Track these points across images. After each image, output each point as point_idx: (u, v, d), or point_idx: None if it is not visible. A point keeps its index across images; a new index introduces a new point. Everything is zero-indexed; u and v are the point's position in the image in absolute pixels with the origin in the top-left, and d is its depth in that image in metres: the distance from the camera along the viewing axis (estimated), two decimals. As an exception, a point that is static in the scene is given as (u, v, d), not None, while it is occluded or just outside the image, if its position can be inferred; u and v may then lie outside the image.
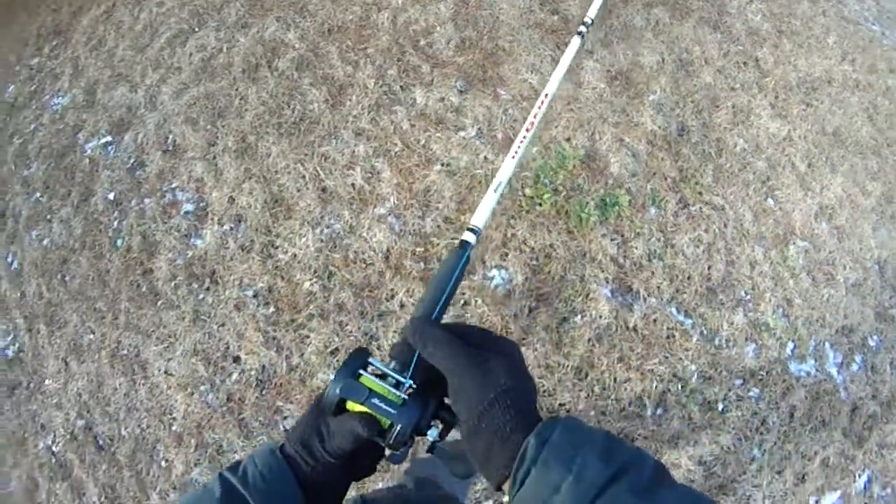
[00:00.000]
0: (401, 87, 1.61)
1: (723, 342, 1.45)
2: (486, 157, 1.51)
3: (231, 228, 1.64)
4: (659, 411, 1.42)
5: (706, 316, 1.46)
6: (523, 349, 1.43)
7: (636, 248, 1.46)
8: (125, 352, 1.73)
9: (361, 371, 0.41)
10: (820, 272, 1.52)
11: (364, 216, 1.50)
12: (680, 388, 1.42)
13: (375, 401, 0.39)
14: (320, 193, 1.56)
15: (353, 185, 1.55)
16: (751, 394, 1.47)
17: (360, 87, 1.65)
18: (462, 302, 1.41)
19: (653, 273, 1.45)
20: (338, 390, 0.40)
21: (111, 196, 1.94)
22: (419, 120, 1.59)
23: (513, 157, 0.55)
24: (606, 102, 1.55)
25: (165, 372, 1.64)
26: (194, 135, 1.83)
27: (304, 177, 1.59)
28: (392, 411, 0.39)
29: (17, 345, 2.05)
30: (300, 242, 1.53)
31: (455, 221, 1.46)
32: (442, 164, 1.51)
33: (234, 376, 1.53)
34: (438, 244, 1.45)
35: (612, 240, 1.45)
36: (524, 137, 0.57)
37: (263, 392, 1.51)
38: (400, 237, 1.46)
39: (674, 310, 1.45)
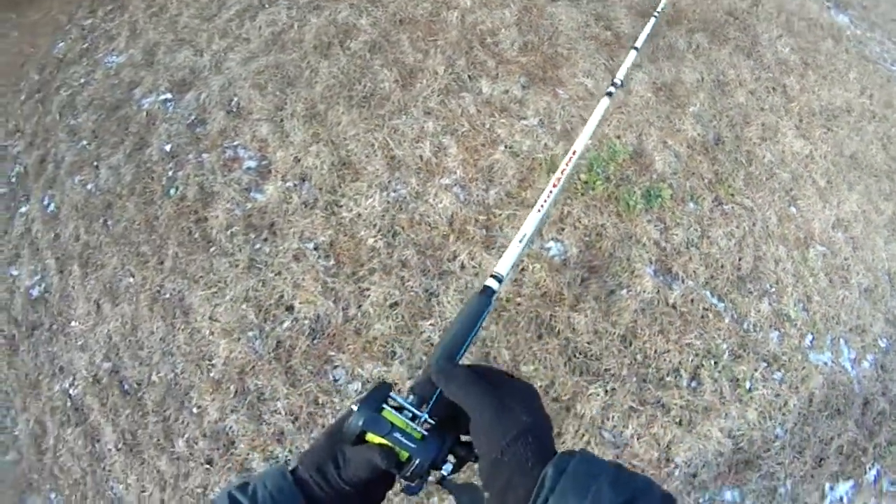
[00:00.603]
0: (468, 76, 1.87)
1: (750, 326, 1.67)
2: (546, 145, 1.75)
3: (295, 185, 1.80)
4: (693, 383, 1.60)
5: (736, 301, 1.68)
6: (573, 315, 1.60)
7: (676, 235, 1.70)
8: (167, 296, 1.82)
9: (384, 405, 0.45)
10: (836, 275, 1.79)
11: (430, 184, 1.70)
12: (713, 363, 1.61)
13: (397, 434, 0.43)
14: (389, 161, 1.76)
15: (420, 156, 1.76)
16: (774, 376, 1.68)
17: (430, 73, 1.90)
18: (521, 267, 1.60)
19: (690, 259, 1.69)
20: (361, 422, 0.43)
21: (167, 148, 2.09)
22: (485, 107, 1.83)
23: (539, 210, 0.59)
24: (652, 109, 1.84)
25: (210, 318, 1.73)
26: (261, 99, 2.02)
27: (373, 145, 1.79)
28: (412, 445, 0.43)
29: (43, 285, 2.10)
30: (366, 203, 1.70)
31: (516, 196, 1.68)
32: (505, 146, 1.74)
33: (286, 324, 1.64)
34: (501, 215, 1.65)
35: (655, 226, 1.69)
36: (550, 192, 0.59)
37: (315, 341, 1.62)
38: (464, 205, 1.65)
39: (708, 293, 1.67)
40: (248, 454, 1.62)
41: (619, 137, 1.76)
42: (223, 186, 1.86)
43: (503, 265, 0.54)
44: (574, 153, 0.64)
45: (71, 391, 1.95)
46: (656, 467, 1.56)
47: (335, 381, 1.59)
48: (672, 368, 1.59)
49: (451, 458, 0.45)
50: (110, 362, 1.89)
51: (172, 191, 1.96)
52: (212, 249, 1.78)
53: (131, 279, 1.91)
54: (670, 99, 1.83)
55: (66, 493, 1.87)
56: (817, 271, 1.74)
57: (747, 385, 1.63)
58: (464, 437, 0.46)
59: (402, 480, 0.45)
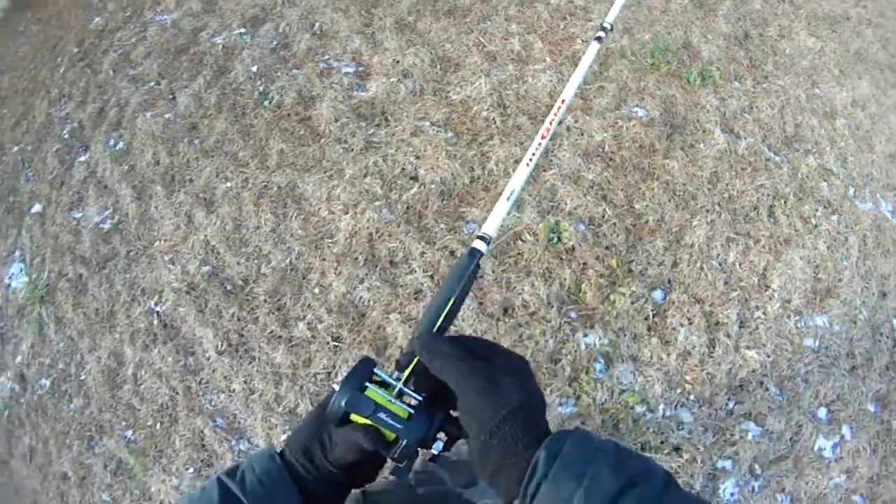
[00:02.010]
0: (537, -10, 2.48)
1: (804, 176, 2.23)
2: (613, 39, 2.36)
3: (399, 80, 2.22)
4: (771, 219, 2.11)
5: (788, 156, 2.25)
6: (667, 162, 2.09)
7: (731, 104, 2.27)
8: (274, 190, 2.12)
9: (367, 384, 0.47)
10: (862, 142, 2.41)
11: (526, 70, 2.19)
12: (783, 202, 2.13)
13: (381, 415, 0.45)
14: (485, 55, 2.24)
15: (511, 50, 2.27)
16: (832, 218, 2.22)
17: (503, -11, 2.49)
18: (616, 125, 2.10)
19: (746, 122, 2.25)
20: (343, 403, 0.45)
21: (254, 69, 2.45)
22: (555, 13, 2.40)
23: (527, 164, 0.60)
24: (690, 13, 2.48)
25: (327, 199, 2.04)
26: (346, 20, 2.47)
27: (467, 45, 2.28)
28: (398, 426, 0.45)
29: (116, 217, 2.32)
30: (472, 87, 2.16)
31: (600, 75, 2.22)
32: (582, 40, 2.31)
33: (413, 190, 1.99)
34: (591, 88, 2.17)
35: (714, 97, 2.27)
36: (539, 144, 0.61)
37: (444, 202, 1.99)
38: (560, 83, 2.15)
39: (766, 148, 2.23)
40: (382, 321, 1.90)
41: (669, 33, 2.39)
42: (323, 90, 2.25)
43: (491, 225, 0.56)
44: (563, 102, 0.65)
45: (158, 309, 2.14)
46: (758, 291, 2.02)
47: (471, 233, 1.94)
48: (752, 206, 2.10)
49: (441, 435, 0.48)
50: (209, 266, 2.12)
51: (266, 102, 2.32)
52: (322, 141, 2.13)
53: (228, 184, 2.20)
54: (702, 5, 2.51)
55: (149, 423, 2.01)
56: (847, 137, 2.36)
57: (813, 222, 2.17)
58: (453, 413, 0.48)
59: (390, 461, 0.48)
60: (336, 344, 1.90)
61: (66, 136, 2.70)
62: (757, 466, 1.90)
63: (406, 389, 0.49)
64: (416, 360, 0.49)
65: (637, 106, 2.12)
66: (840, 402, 2.01)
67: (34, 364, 2.31)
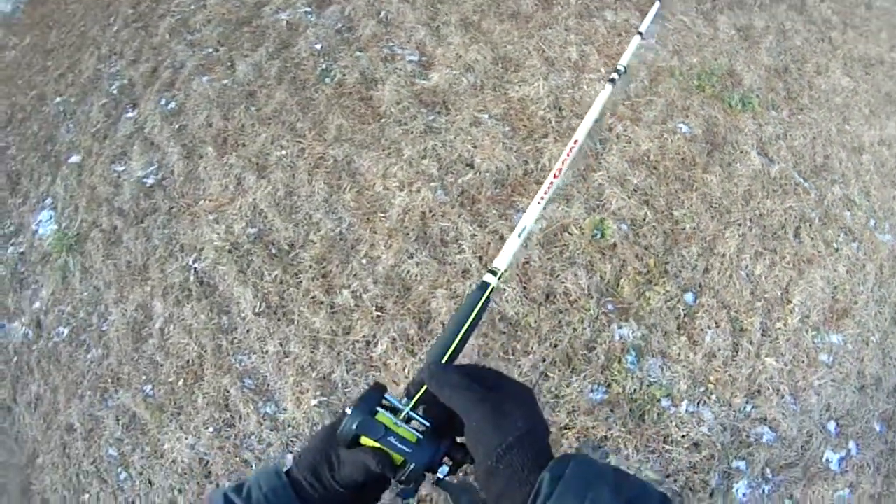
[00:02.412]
0: (595, 7, 2.72)
1: (829, 203, 2.47)
2: (664, 57, 2.55)
3: (461, 73, 2.44)
4: (796, 240, 2.34)
5: (816, 184, 2.48)
6: (706, 176, 2.31)
7: (767, 130, 2.51)
8: (330, 162, 2.30)
9: (378, 408, 0.51)
10: (886, 178, 2.64)
11: (582, 77, 2.41)
12: (808, 225, 2.36)
13: (391, 438, 0.50)
14: (544, 60, 2.47)
15: (569, 58, 2.49)
16: (852, 245, 2.46)
17: (563, 2, 2.73)
18: (661, 136, 2.33)
19: (780, 148, 2.49)
20: (355, 426, 0.50)
21: (318, 46, 2.66)
22: (611, 29, 2.65)
23: (539, 202, 0.64)
24: (736, 42, 2.73)
25: (383, 176, 2.23)
26: (412, 12, 2.69)
27: (527, 48, 2.50)
28: (407, 449, 0.50)
29: (160, 174, 2.49)
30: (531, 87, 2.37)
31: (650, 90, 2.46)
32: (636, 56, 2.56)
33: (469, 176, 2.18)
34: (640, 102, 2.41)
35: (752, 122, 2.51)
36: (551, 183, 0.64)
37: (498, 189, 2.19)
38: (613, 93, 2.39)
39: (796, 174, 2.47)
40: (427, 296, 2.09)
41: (715, 59, 2.64)
42: (386, 73, 2.46)
43: (502, 260, 0.59)
44: (576, 142, 0.66)
45: (196, 265, 2.29)
46: (781, 304, 2.23)
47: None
48: (780, 225, 2.32)
49: (447, 460, 0.51)
50: (255, 228, 2.28)
51: (328, 79, 2.52)
52: (382, 120, 2.33)
53: (283, 152, 2.38)
54: (747, 38, 2.76)
55: (171, 379, 2.13)
56: (872, 172, 2.61)
57: (835, 246, 2.40)
58: (459, 439, 0.51)
59: (396, 484, 0.51)
60: (379, 314, 2.07)
61: (115, 91, 2.87)
62: (769, 470, 2.09)
63: (414, 415, 0.53)
64: (424, 388, 0.53)
65: (682, 122, 2.35)
66: (848, 418, 2.21)
67: (53, 311, 2.37)
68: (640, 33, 1.01)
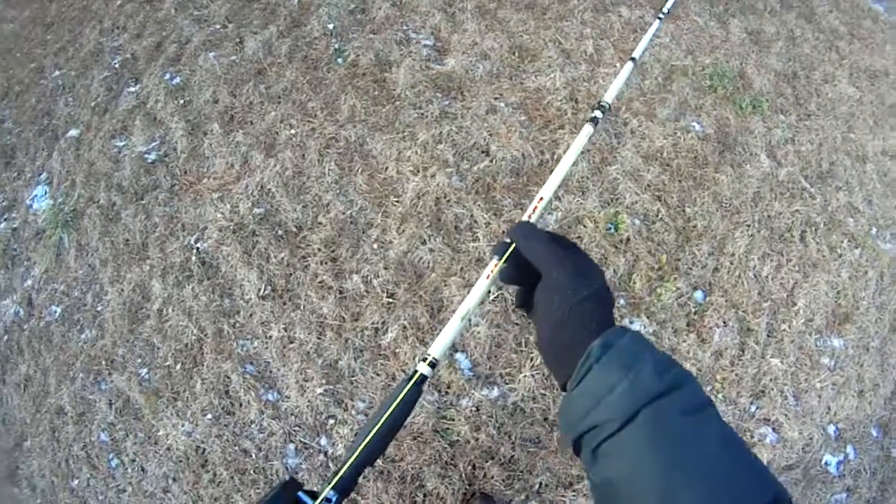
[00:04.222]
0: (611, 1, 2.79)
1: (834, 209, 2.58)
2: (678, 56, 2.66)
3: (477, 60, 2.48)
4: (802, 244, 2.43)
5: (822, 189, 2.60)
6: (717, 175, 2.38)
7: (776, 134, 2.62)
8: (342, 143, 2.31)
9: None
10: (888, 188, 2.78)
11: (598, 71, 2.48)
12: (814, 230, 2.47)
13: None
14: (560, 51, 2.53)
15: (585, 51, 2.56)
16: (855, 251, 2.57)
17: (579, -4, 2.80)
18: (675, 134, 2.39)
19: (787, 152, 2.60)
20: None
21: (330, 26, 2.66)
22: (626, 25, 2.73)
23: (487, 277, 0.57)
24: (747, 46, 2.85)
25: (397, 159, 2.25)
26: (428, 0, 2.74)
27: (544, 39, 2.56)
28: None
29: (163, 150, 2.46)
30: (547, 78, 2.43)
31: (663, 88, 2.53)
32: (650, 55, 2.63)
33: (484, 164, 2.22)
34: (654, 100, 2.48)
35: (762, 125, 2.61)
36: (497, 263, 0.57)
37: (514, 178, 2.22)
38: (627, 89, 2.45)
39: (803, 178, 2.58)
40: (440, 283, 2.11)
41: (727, 61, 2.74)
42: (401, 57, 2.48)
43: (438, 347, 0.55)
44: (541, 200, 0.63)
45: (198, 245, 2.27)
46: (786, 306, 2.32)
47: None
48: (787, 228, 2.42)
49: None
50: (261, 208, 2.28)
51: (341, 59, 2.53)
52: (396, 103, 2.35)
53: (293, 131, 2.38)
54: (758, 42, 2.88)
55: (168, 363, 2.12)
56: (875, 181, 2.74)
57: (839, 252, 2.51)
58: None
59: None
60: (390, 300, 2.08)
61: (117, 65, 2.83)
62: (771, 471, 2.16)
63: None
64: (512, 246, 0.56)
65: (695, 121, 2.44)
66: (847, 422, 2.31)
67: (45, 290, 2.37)
68: (633, 59, 0.95)
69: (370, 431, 0.53)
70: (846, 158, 2.72)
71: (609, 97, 0.77)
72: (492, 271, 0.58)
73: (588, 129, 0.72)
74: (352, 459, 0.54)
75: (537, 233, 0.54)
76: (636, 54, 0.99)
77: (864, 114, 2.90)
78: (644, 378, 0.42)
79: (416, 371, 0.55)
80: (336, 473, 0.53)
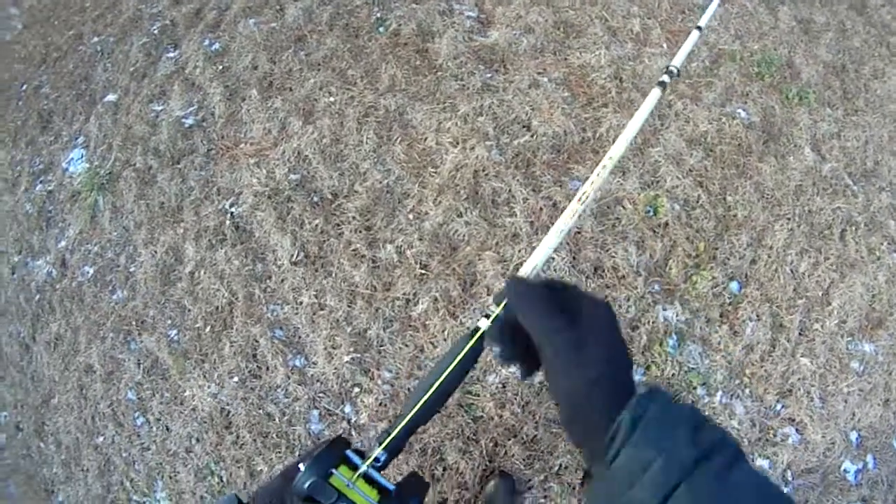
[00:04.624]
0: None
1: (876, 210, 2.53)
2: (725, 40, 2.59)
3: (521, 34, 2.41)
4: (841, 242, 2.39)
5: (865, 188, 2.54)
6: (760, 165, 2.33)
7: (822, 127, 2.56)
8: (381, 112, 2.28)
9: (333, 470, 0.50)
10: None
11: (644, 51, 2.41)
12: (854, 229, 2.43)
13: None
14: (606, 29, 2.45)
15: (631, 30, 2.49)
16: (894, 255, 2.53)
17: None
18: (720, 120, 2.34)
19: (832, 147, 2.54)
20: (306, 486, 0.49)
21: None
22: (675, 4, 2.62)
23: (558, 232, 0.59)
24: (796, 35, 2.77)
25: (437, 130, 2.21)
26: None
27: (590, 16, 2.48)
28: None
29: (201, 114, 2.43)
30: (592, 55, 2.36)
31: (710, 69, 2.47)
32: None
33: (525, 138, 2.17)
34: (701, 82, 2.42)
35: (807, 117, 2.55)
36: (575, 211, 0.60)
37: (554, 154, 2.18)
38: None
39: (846, 175, 2.52)
40: (474, 257, 2.08)
41: (775, 49, 2.67)
42: (444, 27, 2.42)
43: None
44: (610, 159, 0.60)
45: (232, 210, 2.26)
46: (820, 305, 2.28)
47: (575, 189, 2.14)
48: (827, 225, 2.37)
49: None
50: (298, 175, 2.25)
51: (382, 28, 2.47)
52: (438, 74, 2.30)
53: (332, 98, 2.34)
54: (807, 31, 2.80)
55: (198, 325, 2.12)
56: (923, 183, 2.70)
57: (877, 254, 2.46)
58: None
59: None
60: (423, 272, 2.06)
61: (156, 31, 2.80)
62: (790, 473, 2.15)
63: (375, 475, 0.52)
64: (504, 303, 0.53)
65: (741, 108, 2.38)
66: (870, 430, 2.28)
67: (79, 251, 2.38)
68: (700, 28, 0.95)
69: (426, 390, 0.52)
70: (892, 159, 2.65)
71: (677, 62, 0.77)
72: (562, 226, 0.59)
73: (656, 92, 0.71)
74: (407, 419, 0.53)
75: (532, 297, 0.49)
76: (702, 23, 0.99)
77: (914, 113, 2.83)
78: (680, 451, 0.41)
79: (476, 328, 0.53)
80: (387, 433, 0.52)
